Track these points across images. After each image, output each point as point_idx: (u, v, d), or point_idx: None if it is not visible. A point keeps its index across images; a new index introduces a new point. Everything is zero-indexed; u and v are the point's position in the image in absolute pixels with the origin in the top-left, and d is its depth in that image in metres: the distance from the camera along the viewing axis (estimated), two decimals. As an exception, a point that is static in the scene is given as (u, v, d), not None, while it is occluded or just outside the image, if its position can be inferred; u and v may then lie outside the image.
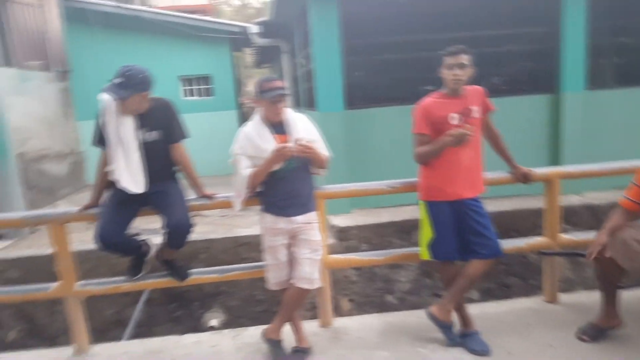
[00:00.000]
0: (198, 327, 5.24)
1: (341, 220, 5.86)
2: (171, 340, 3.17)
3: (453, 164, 2.71)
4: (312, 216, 2.77)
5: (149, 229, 3.33)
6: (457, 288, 2.77)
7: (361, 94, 6.40)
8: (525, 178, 3.01)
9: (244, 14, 27.08)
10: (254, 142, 2.64)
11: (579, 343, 2.76)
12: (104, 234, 2.66)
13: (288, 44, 10.04)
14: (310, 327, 3.12)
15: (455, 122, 2.69)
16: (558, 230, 3.22)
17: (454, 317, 2.85)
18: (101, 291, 3.07)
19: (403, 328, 3.10)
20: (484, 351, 2.73)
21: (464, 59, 2.64)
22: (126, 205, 2.77)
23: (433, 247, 2.83)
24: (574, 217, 5.70)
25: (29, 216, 3.10)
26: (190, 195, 2.95)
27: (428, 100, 2.79)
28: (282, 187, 2.70)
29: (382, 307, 5.34)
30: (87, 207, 2.88)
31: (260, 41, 10.16)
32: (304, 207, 2.73)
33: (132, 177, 2.70)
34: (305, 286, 2.71)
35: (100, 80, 10.64)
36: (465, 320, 2.89)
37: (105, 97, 2.70)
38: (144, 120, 2.73)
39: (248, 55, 17.61)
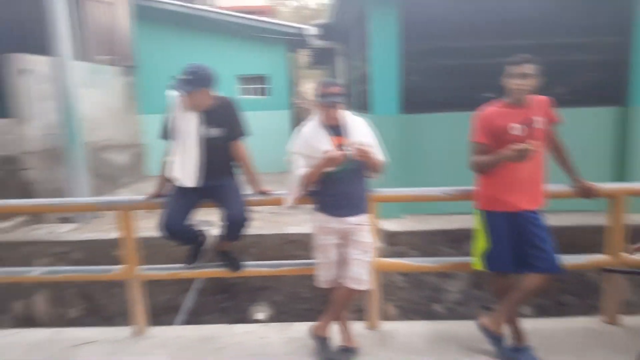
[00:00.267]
0: (244, 319, 5.40)
1: (391, 225, 5.84)
2: (223, 328, 3.31)
3: (512, 174, 2.65)
4: (364, 218, 2.80)
5: (206, 221, 3.50)
6: (510, 301, 2.71)
7: (417, 98, 6.35)
8: (588, 193, 2.90)
9: (300, 14, 27.37)
10: (310, 142, 2.71)
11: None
12: (167, 223, 2.82)
13: (344, 46, 10.10)
14: (357, 328, 3.14)
15: (516, 132, 2.63)
16: (621, 248, 3.08)
17: (506, 330, 2.80)
18: (161, 276, 3.25)
19: (451, 337, 3.07)
20: (535, 367, 2.66)
21: (528, 68, 2.58)
22: (187, 197, 2.91)
23: (487, 257, 2.78)
24: (637, 238, 5.40)
25: (101, 202, 3.33)
26: (248, 190, 3.06)
27: (489, 108, 2.75)
28: (336, 188, 2.75)
29: (429, 316, 5.28)
30: (152, 196, 3.05)
31: (317, 43, 10.30)
32: (356, 208, 2.77)
33: (185, 171, 2.84)
34: (355, 286, 2.74)
35: (162, 76, 11.15)
36: (517, 334, 2.82)
37: (173, 93, 2.87)
38: (208, 117, 2.86)
39: (302, 56, 17.81)
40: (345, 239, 2.78)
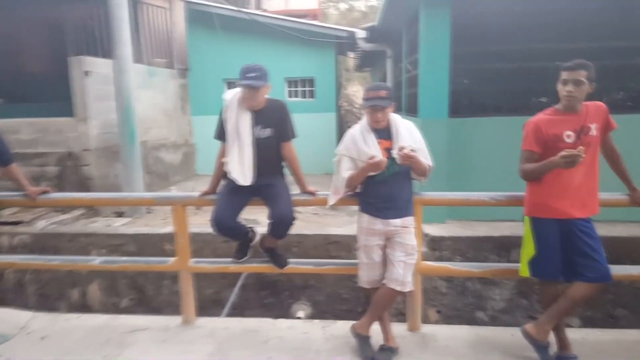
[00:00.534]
0: (286, 316, 5.50)
1: (435, 230, 5.79)
2: (267, 322, 3.42)
3: (564, 181, 2.60)
4: (409, 220, 2.82)
5: (253, 220, 3.62)
6: (557, 309, 2.67)
7: (467, 102, 6.28)
8: None
9: (349, 17, 27.41)
10: (357, 145, 2.76)
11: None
12: (219, 219, 2.96)
13: (393, 49, 10.08)
14: (398, 329, 3.17)
15: (570, 140, 2.58)
16: (678, 261, 2.96)
17: (551, 339, 2.75)
18: (211, 269, 3.40)
19: (494, 343, 3.04)
20: (580, 377, 2.61)
21: (581, 74, 2.52)
22: (238, 195, 3.04)
23: (534, 264, 2.74)
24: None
25: (158, 197, 3.52)
26: (294, 190, 3.16)
27: (541, 116, 2.70)
28: (381, 190, 2.79)
29: (471, 323, 5.18)
30: (205, 194, 3.21)
31: (366, 46, 10.32)
32: (401, 210, 2.80)
33: (242, 170, 2.96)
34: (397, 288, 2.76)
35: (212, 79, 11.50)
36: (562, 343, 2.77)
37: (229, 95, 3.01)
38: (260, 118, 2.97)
39: (350, 59, 17.87)
40: (389, 240, 2.81)
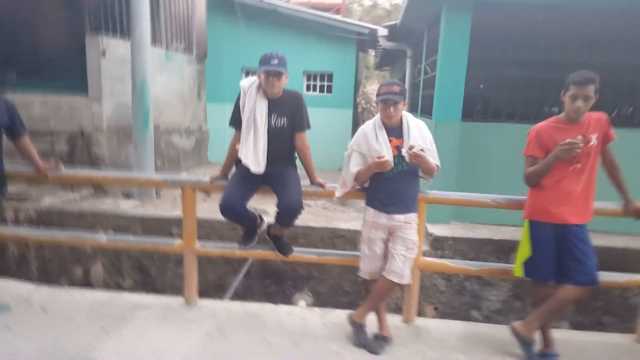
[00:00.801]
0: (288, 304, 5.58)
1: (438, 230, 5.85)
2: (267, 307, 3.52)
3: (563, 188, 2.70)
4: (412, 217, 2.89)
5: (262, 210, 3.68)
6: (545, 309, 2.78)
7: (481, 107, 6.32)
8: (637, 214, 2.89)
9: (373, 14, 27.27)
10: (368, 141, 2.83)
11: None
12: (228, 203, 3.02)
13: (413, 49, 10.08)
14: (393, 320, 3.26)
15: None
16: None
17: (538, 337, 2.88)
18: (216, 252, 3.48)
19: (484, 338, 3.15)
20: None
21: (590, 90, 2.59)
22: (249, 181, 3.11)
23: (528, 265, 2.84)
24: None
25: (169, 179, 3.57)
26: (304, 181, 3.23)
27: (544, 124, 2.79)
28: (388, 186, 2.86)
29: (466, 321, 5.27)
30: (216, 179, 3.29)
31: (387, 44, 10.30)
32: (405, 206, 2.87)
33: (256, 157, 3.02)
34: (395, 280, 2.83)
35: (228, 67, 11.45)
36: (547, 340, 2.91)
37: (246, 83, 3.07)
38: (276, 107, 3.04)
39: (370, 57, 17.83)
40: (392, 234, 2.89)
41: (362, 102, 19.27)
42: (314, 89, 11.62)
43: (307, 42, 11.00)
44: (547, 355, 2.85)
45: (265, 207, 5.02)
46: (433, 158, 2.82)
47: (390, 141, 2.79)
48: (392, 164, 2.72)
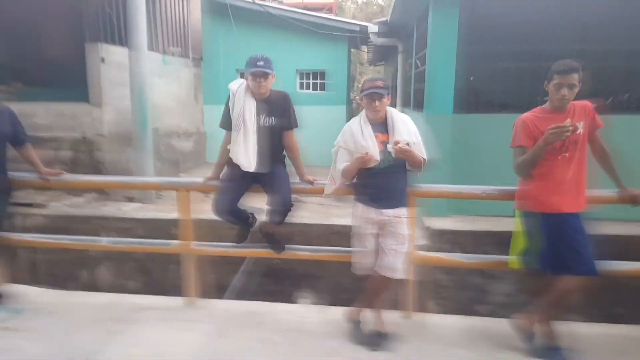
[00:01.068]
0: (287, 303, 5.63)
1: (438, 223, 5.87)
2: (265, 305, 3.57)
3: (554, 177, 2.67)
4: (402, 211, 2.90)
5: (258, 208, 3.72)
6: (545, 301, 2.76)
7: (472, 99, 6.33)
8: (633, 200, 2.87)
9: (367, 11, 27.26)
10: (354, 137, 2.84)
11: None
12: (222, 204, 3.10)
13: (404, 44, 10.11)
14: (392, 316, 3.26)
15: None
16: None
17: (538, 329, 2.85)
18: (213, 252, 3.54)
19: (485, 333, 3.13)
20: (564, 366, 2.69)
21: (575, 78, 2.57)
22: (240, 181, 3.17)
23: (525, 257, 2.83)
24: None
25: (164, 181, 3.68)
26: (294, 178, 3.28)
27: (529, 115, 2.76)
28: (376, 181, 2.87)
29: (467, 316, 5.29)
30: (209, 179, 3.35)
31: (379, 40, 10.35)
32: (395, 201, 2.88)
33: (246, 156, 3.08)
34: (387, 274, 2.85)
35: (224, 69, 11.51)
36: (550, 334, 2.85)
37: (235, 85, 3.12)
38: (264, 107, 3.09)
39: (364, 53, 17.85)
40: (382, 229, 2.90)
41: (357, 97, 19.28)
42: (308, 87, 11.68)
43: (299, 41, 11.12)
44: (550, 348, 2.80)
45: (257, 205, 5.06)
46: (420, 152, 2.82)
47: (376, 137, 2.80)
48: (377, 159, 2.74)
